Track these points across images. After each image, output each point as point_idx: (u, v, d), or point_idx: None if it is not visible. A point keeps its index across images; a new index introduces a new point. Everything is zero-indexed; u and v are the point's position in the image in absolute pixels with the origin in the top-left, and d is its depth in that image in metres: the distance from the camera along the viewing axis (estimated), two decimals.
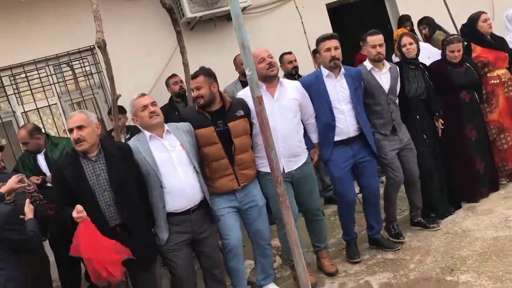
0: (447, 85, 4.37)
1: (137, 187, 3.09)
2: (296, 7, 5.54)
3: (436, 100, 4.27)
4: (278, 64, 4.03)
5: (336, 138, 3.78)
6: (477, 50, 4.69)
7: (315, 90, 3.77)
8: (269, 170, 3.46)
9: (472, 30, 4.74)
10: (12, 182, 3.34)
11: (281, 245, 3.95)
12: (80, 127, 2.97)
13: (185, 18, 5.64)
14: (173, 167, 3.16)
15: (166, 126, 3.27)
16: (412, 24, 6.51)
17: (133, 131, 4.60)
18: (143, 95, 3.29)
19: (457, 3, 6.24)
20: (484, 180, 4.54)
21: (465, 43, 4.61)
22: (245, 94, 3.60)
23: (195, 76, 3.41)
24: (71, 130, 3.00)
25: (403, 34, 4.36)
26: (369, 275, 3.68)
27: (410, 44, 4.21)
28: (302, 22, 5.06)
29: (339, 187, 3.85)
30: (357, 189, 4.09)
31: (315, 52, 5.56)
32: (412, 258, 3.76)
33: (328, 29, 6.61)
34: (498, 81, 4.65)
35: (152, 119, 3.18)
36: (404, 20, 6.51)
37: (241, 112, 3.46)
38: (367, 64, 4.01)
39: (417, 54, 4.27)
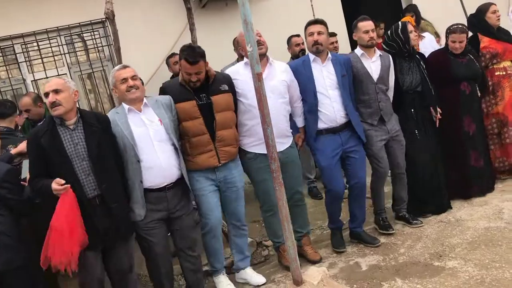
0: (448, 76, 4.30)
1: (114, 160, 3.02)
2: None
3: (430, 93, 4.17)
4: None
5: (324, 126, 3.74)
6: (485, 41, 4.64)
7: (301, 74, 3.74)
8: (256, 151, 3.56)
9: (480, 21, 4.70)
10: (23, 145, 3.30)
11: (266, 228, 3.89)
12: (56, 91, 2.87)
13: None
14: (150, 143, 3.09)
15: (145, 100, 3.19)
16: (416, 15, 6.50)
17: None
18: (124, 67, 3.17)
19: None
20: (480, 177, 4.43)
21: (471, 34, 4.57)
22: (232, 72, 3.59)
23: (196, 61, 3.26)
24: (47, 95, 2.89)
25: (404, 23, 4.23)
26: (359, 257, 3.75)
27: (410, 32, 4.14)
28: (312, 5, 5.06)
29: (327, 176, 3.80)
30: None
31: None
32: (403, 243, 3.82)
33: (340, 15, 6.63)
34: (504, 73, 4.62)
35: (129, 93, 3.09)
36: (406, 11, 6.47)
37: (226, 87, 3.42)
38: (358, 50, 3.95)
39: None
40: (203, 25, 5.70)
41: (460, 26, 4.35)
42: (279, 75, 3.60)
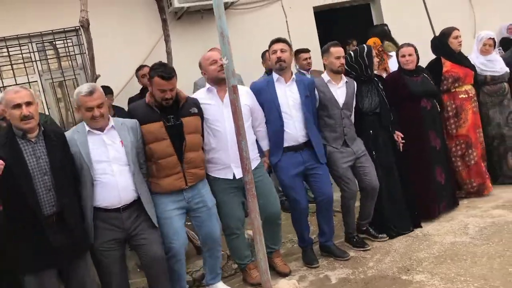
0: (407, 94, 4.39)
1: (73, 176, 2.96)
2: (283, 7, 5.64)
3: (388, 114, 4.23)
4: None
5: (286, 144, 3.76)
6: (448, 65, 4.77)
7: (266, 94, 3.76)
8: (221, 176, 3.55)
9: (443, 45, 4.84)
10: None
11: (230, 250, 3.84)
12: (28, 103, 2.77)
13: (172, 8, 5.68)
14: (108, 164, 3.02)
15: (112, 122, 3.12)
16: (385, 35, 6.71)
17: (119, 111, 4.64)
18: (91, 93, 2.99)
19: (439, 14, 6.40)
20: (444, 193, 4.52)
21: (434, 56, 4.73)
22: (199, 96, 3.57)
23: (170, 77, 3.23)
24: (17, 106, 2.74)
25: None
26: (329, 270, 3.79)
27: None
28: (286, 22, 5.15)
29: (290, 194, 3.82)
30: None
31: (296, 53, 5.69)
32: (372, 257, 3.88)
33: (313, 31, 6.74)
34: (466, 95, 4.76)
35: (94, 121, 3.01)
36: (373, 32, 6.68)
37: (195, 110, 3.41)
38: (325, 76, 4.04)
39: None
40: (178, 37, 5.72)
41: (406, 43, 4.54)
42: (242, 99, 3.50)
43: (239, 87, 3.66)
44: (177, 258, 3.32)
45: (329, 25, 7.59)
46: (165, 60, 5.01)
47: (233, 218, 3.60)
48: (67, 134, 3.10)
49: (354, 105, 4.11)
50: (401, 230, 4.23)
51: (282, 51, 3.78)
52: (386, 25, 6.33)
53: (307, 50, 5.63)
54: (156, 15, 5.29)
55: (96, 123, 3.03)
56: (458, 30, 4.85)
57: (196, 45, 5.83)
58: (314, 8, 6.81)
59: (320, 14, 7.08)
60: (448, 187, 4.57)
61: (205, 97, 3.57)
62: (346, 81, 4.05)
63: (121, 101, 5.19)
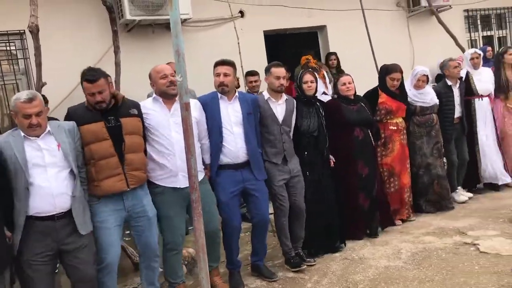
0: (342, 122, 4.52)
1: None
2: (235, 28, 5.74)
3: (323, 139, 4.35)
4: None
5: (226, 161, 3.80)
6: (383, 97, 4.96)
7: (209, 110, 3.81)
8: (165, 184, 3.49)
9: (381, 79, 5.05)
10: None
11: (165, 266, 3.70)
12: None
13: (124, 19, 5.65)
14: (44, 169, 2.93)
15: (48, 126, 3.03)
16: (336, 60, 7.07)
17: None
18: (30, 100, 2.91)
19: (381, 45, 6.74)
20: (367, 219, 4.67)
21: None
22: (142, 105, 3.55)
23: (95, 79, 3.18)
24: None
25: (304, 72, 4.47)
26: None
27: (312, 82, 4.34)
28: (238, 43, 5.25)
29: (224, 212, 3.80)
30: (271, 209, 4.20)
31: (247, 75, 5.80)
32: (310, 278, 3.97)
33: (263, 54, 6.91)
34: (396, 128, 4.96)
35: (30, 130, 2.92)
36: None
37: (135, 111, 3.40)
38: (265, 93, 4.14)
39: (315, 92, 4.41)
40: (128, 49, 5.67)
41: (344, 73, 4.74)
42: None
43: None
44: (108, 270, 3.25)
45: (279, 48, 7.81)
46: (113, 72, 4.94)
47: (176, 234, 3.57)
48: (1, 137, 2.99)
49: (293, 123, 4.23)
50: (329, 249, 4.42)
51: (225, 75, 3.82)
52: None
53: (254, 73, 5.75)
54: (107, 25, 5.21)
55: (32, 132, 2.93)
56: (400, 72, 4.97)
57: (145, 59, 5.81)
58: (265, 31, 6.99)
59: (271, 37, 7.27)
60: (372, 212, 4.70)
61: (151, 105, 3.57)
62: (286, 99, 4.17)
63: (64, 110, 5.04)
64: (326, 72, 6.67)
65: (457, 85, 5.58)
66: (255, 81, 5.85)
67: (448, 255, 4.05)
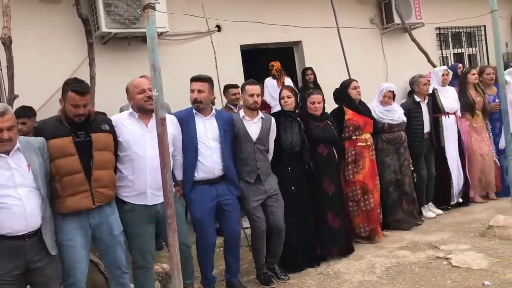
0: (309, 137, 4.48)
1: None
2: (212, 43, 5.76)
3: (306, 153, 4.41)
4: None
5: (202, 176, 3.78)
6: (349, 113, 4.98)
7: (185, 126, 3.79)
8: (135, 202, 3.44)
9: (343, 95, 5.08)
10: None
11: (135, 284, 3.62)
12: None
13: (99, 32, 5.60)
14: (14, 188, 2.85)
15: (18, 143, 2.94)
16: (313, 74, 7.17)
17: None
18: (3, 114, 2.85)
19: (355, 62, 6.86)
20: (336, 238, 4.60)
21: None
22: (116, 118, 3.50)
23: (85, 92, 3.16)
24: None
25: (283, 87, 4.51)
26: None
27: (288, 97, 4.38)
28: (215, 57, 5.26)
29: (199, 228, 3.79)
30: (245, 224, 4.19)
31: (225, 88, 5.81)
32: None
33: (239, 68, 6.94)
34: (364, 144, 4.99)
35: (1, 145, 2.84)
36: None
37: (107, 127, 3.34)
38: (241, 112, 4.16)
39: (296, 107, 4.47)
40: (103, 62, 5.64)
41: (316, 90, 4.80)
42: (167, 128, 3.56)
43: (166, 115, 3.70)
44: (76, 286, 3.16)
45: (256, 62, 7.86)
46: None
47: (143, 252, 3.49)
48: None
49: (271, 143, 4.22)
50: (306, 265, 4.41)
51: (199, 91, 3.80)
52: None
53: (236, 86, 5.78)
54: (82, 37, 5.18)
55: (2, 147, 2.85)
56: (357, 81, 5.12)
57: (121, 72, 5.77)
58: (241, 46, 7.03)
59: (248, 52, 7.32)
60: (341, 232, 4.66)
61: (126, 120, 3.51)
62: (262, 117, 4.16)
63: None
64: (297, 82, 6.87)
65: (425, 101, 5.67)
66: (238, 94, 5.86)
67: (421, 270, 4.10)
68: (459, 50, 9.77)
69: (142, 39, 5.96)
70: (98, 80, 5.17)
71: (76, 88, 3.14)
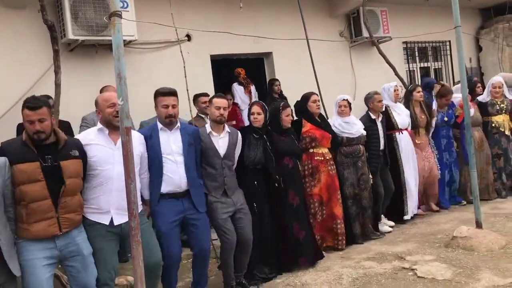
0: (274, 151, 4.50)
1: None
2: (181, 52, 5.72)
3: (273, 171, 4.43)
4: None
5: (168, 189, 3.71)
6: (307, 126, 5.00)
7: (149, 141, 3.72)
8: (96, 219, 3.33)
9: (303, 108, 5.11)
10: None
11: None
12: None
13: (66, 39, 5.50)
14: None
15: None
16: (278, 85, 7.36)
17: None
18: None
19: (325, 75, 6.93)
20: (302, 249, 4.60)
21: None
22: (83, 138, 3.41)
23: (37, 107, 3.01)
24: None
25: (254, 102, 4.51)
26: None
27: (258, 114, 4.38)
28: (184, 67, 5.22)
29: (164, 241, 3.66)
30: (213, 235, 4.14)
31: (195, 97, 5.78)
32: None
33: (209, 78, 6.93)
34: (322, 158, 5.00)
35: None
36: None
37: (76, 153, 3.21)
38: (208, 126, 4.11)
39: (265, 124, 4.46)
40: (69, 70, 5.54)
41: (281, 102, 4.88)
42: (136, 146, 3.41)
43: (134, 133, 3.58)
44: None
45: (226, 73, 7.85)
46: (53, 92, 4.78)
47: (106, 267, 3.35)
48: None
49: (236, 157, 4.21)
50: (269, 275, 4.41)
51: (173, 106, 3.77)
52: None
53: (206, 94, 5.76)
54: (48, 44, 5.06)
55: None
56: (317, 95, 5.15)
57: (88, 80, 5.69)
58: (211, 56, 7.02)
59: (219, 62, 7.31)
60: (308, 242, 4.66)
61: (95, 137, 3.41)
62: (229, 132, 4.13)
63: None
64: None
65: (380, 118, 5.69)
66: (210, 101, 5.82)
67: (387, 281, 4.13)
68: (426, 64, 10.02)
69: (110, 47, 5.87)
70: (64, 88, 5.04)
71: (28, 104, 3.03)
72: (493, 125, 6.71)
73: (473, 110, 6.27)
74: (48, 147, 3.09)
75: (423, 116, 6.17)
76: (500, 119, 6.71)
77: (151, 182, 3.73)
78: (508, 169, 6.78)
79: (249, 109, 4.52)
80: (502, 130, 6.69)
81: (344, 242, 5.09)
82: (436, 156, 6.30)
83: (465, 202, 6.52)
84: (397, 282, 4.07)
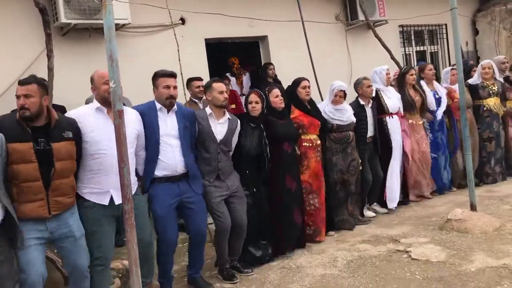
0: (273, 136, 4.46)
1: None
2: (175, 35, 5.66)
3: (265, 160, 4.37)
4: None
5: (163, 173, 3.71)
6: (296, 112, 4.93)
7: (147, 121, 3.69)
8: (95, 200, 3.33)
9: (292, 93, 5.03)
10: None
11: (92, 283, 3.40)
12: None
13: (58, 23, 5.44)
14: None
15: None
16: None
17: None
18: None
19: (320, 58, 6.89)
20: (298, 233, 4.64)
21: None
22: (80, 115, 3.36)
23: (26, 82, 3.02)
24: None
25: (251, 91, 4.48)
26: None
27: (256, 103, 4.33)
28: (178, 51, 5.17)
29: (160, 226, 3.69)
30: (209, 219, 4.15)
31: (189, 81, 5.73)
32: None
33: (204, 62, 6.87)
34: (310, 144, 4.92)
35: None
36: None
37: (70, 134, 3.17)
38: (208, 109, 4.07)
39: (262, 113, 4.40)
40: (62, 54, 5.48)
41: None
42: (131, 123, 3.45)
43: (129, 110, 3.60)
44: None
45: (221, 57, 7.80)
46: (46, 77, 4.73)
47: (104, 249, 3.37)
48: None
49: (233, 144, 4.19)
50: (263, 259, 4.42)
51: (175, 87, 3.75)
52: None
53: (200, 78, 5.71)
54: (40, 28, 5.00)
55: None
56: (308, 80, 5.04)
57: (81, 64, 5.64)
58: (206, 39, 6.96)
59: (214, 46, 7.26)
60: (302, 226, 4.72)
61: (92, 115, 3.38)
62: (229, 118, 4.12)
63: None
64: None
65: (370, 104, 5.60)
66: (202, 86, 5.77)
67: (381, 263, 4.16)
68: (422, 48, 9.97)
69: (103, 31, 5.64)
70: (57, 72, 5.00)
71: (20, 80, 3.05)
72: (485, 108, 6.66)
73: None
74: (41, 129, 3.07)
75: (417, 98, 6.13)
76: (491, 102, 6.65)
77: (146, 164, 3.72)
78: (499, 153, 6.74)
79: (246, 98, 4.48)
80: (495, 111, 6.65)
81: (323, 232, 4.99)
82: (430, 138, 6.26)
83: (455, 189, 6.50)
84: (392, 264, 4.10)
